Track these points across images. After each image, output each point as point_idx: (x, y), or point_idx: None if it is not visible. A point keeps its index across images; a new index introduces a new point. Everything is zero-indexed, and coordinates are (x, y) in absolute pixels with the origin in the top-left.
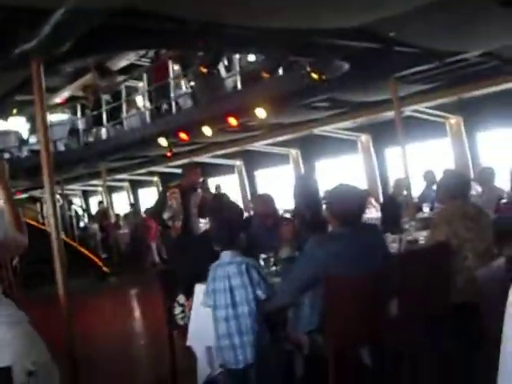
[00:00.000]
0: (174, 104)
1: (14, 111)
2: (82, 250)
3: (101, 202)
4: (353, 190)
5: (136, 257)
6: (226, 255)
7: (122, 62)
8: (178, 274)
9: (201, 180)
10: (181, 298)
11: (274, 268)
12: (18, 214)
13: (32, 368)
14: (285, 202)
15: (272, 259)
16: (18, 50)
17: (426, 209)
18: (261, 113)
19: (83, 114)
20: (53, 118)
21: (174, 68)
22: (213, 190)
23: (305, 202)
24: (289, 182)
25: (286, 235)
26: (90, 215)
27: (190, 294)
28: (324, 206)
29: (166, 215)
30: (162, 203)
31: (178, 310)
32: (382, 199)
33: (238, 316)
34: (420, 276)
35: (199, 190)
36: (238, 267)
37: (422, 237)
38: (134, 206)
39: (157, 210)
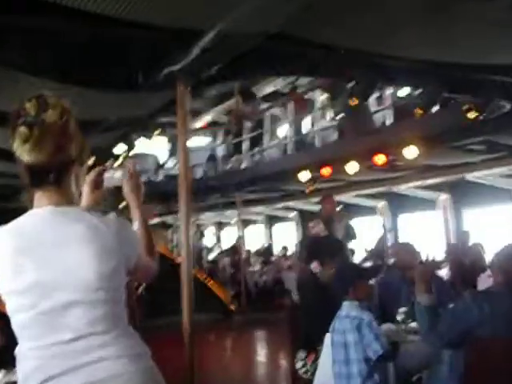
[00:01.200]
0: (317, 136)
1: (157, 132)
2: (210, 283)
3: (240, 237)
4: None
5: (271, 297)
6: (345, 307)
7: (268, 88)
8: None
9: (338, 209)
10: (302, 353)
11: (412, 324)
12: (152, 239)
13: None
14: (429, 252)
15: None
16: (166, 71)
17: None
18: (411, 152)
19: (224, 140)
20: (193, 142)
21: (322, 98)
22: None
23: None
24: (435, 229)
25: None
26: (221, 248)
27: (310, 347)
28: (492, 260)
29: None
30: (305, 237)
31: (299, 364)
32: None
33: (350, 375)
34: None
35: (337, 221)
36: (351, 323)
37: None
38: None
39: (302, 245)
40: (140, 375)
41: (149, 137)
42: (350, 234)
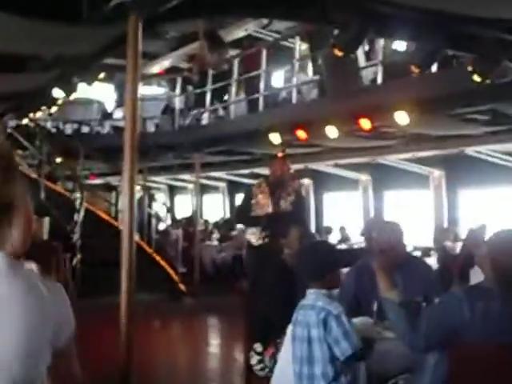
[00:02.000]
0: (294, 92)
1: (101, 76)
2: (158, 258)
3: (196, 206)
4: None
5: (229, 278)
6: (310, 294)
7: (239, 32)
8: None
9: (290, 171)
10: (258, 346)
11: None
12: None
13: None
14: (415, 236)
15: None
16: (115, 2)
17: None
18: (402, 118)
19: (183, 90)
20: (146, 90)
21: (301, 47)
22: None
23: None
24: (426, 210)
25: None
26: (173, 217)
27: (269, 339)
28: (481, 250)
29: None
30: (248, 202)
31: (255, 359)
32: None
33: (312, 376)
34: None
35: (292, 186)
36: (316, 315)
37: None
38: None
39: (242, 210)
40: None
41: (91, 81)
42: (300, 205)
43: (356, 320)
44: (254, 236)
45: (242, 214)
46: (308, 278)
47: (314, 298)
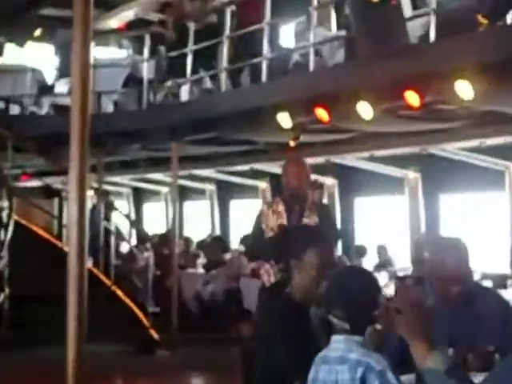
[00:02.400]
0: (312, 54)
1: (37, 33)
2: (119, 293)
3: (173, 218)
4: None
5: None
6: (338, 343)
7: None
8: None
9: (311, 180)
10: None
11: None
12: None
13: None
14: (485, 259)
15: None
16: None
17: None
18: (464, 89)
19: (153, 53)
20: (101, 53)
21: None
22: None
23: None
24: (500, 222)
25: None
26: (141, 234)
27: None
28: None
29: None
30: (259, 226)
31: None
32: None
33: None
34: None
35: (312, 197)
36: (350, 371)
37: None
38: None
39: (255, 237)
40: None
41: (22, 41)
42: (328, 222)
43: (403, 378)
44: (266, 272)
45: (256, 244)
46: (343, 318)
47: (343, 347)
